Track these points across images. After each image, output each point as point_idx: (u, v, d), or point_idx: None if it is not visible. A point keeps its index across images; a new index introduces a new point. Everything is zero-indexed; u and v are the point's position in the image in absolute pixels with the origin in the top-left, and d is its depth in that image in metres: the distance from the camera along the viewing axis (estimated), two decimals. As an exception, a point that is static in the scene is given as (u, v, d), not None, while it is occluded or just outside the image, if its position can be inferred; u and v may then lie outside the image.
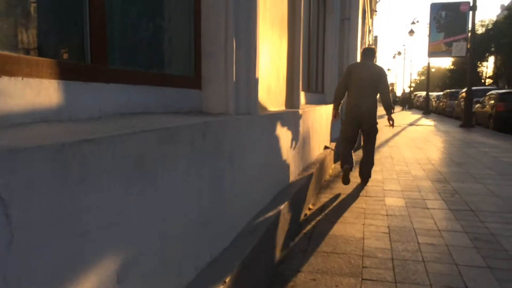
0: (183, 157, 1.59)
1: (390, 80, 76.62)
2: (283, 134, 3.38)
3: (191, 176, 1.66)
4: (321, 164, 5.08)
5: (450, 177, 5.71)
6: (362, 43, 12.60)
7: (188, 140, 1.63)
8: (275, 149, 3.10)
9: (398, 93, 43.13)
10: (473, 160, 7.21)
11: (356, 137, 5.34)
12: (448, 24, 16.24)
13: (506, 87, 41.86)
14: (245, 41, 2.52)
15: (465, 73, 47.60)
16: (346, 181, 4.97)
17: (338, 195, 4.73)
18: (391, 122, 5.30)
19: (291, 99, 4.25)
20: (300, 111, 4.21)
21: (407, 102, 39.45)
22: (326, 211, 4.09)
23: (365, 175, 5.36)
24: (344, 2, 8.58)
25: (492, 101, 14.62)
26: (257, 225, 2.44)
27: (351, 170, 5.11)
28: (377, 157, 7.56)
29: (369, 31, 25.06)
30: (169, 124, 1.51)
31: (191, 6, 2.36)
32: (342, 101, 5.36)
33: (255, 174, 2.60)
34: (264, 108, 3.17)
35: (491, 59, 51.68)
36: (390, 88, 32.99)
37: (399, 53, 46.06)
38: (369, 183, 5.37)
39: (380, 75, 5.12)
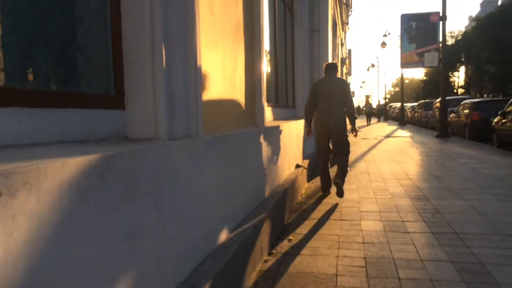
0: (63, 211, 1.10)
1: (365, 92, 77.55)
2: (240, 156, 2.92)
3: (82, 240, 1.17)
4: (291, 185, 4.63)
5: (430, 194, 5.34)
6: (334, 56, 12.37)
7: (72, 184, 1.15)
8: (227, 177, 2.64)
9: (374, 105, 43.44)
10: (452, 173, 6.90)
11: (329, 148, 5.50)
12: (419, 34, 16.28)
13: (478, 96, 42.76)
14: (181, 47, 2.07)
15: (437, 84, 48.46)
16: (326, 192, 5.55)
17: (310, 220, 4.28)
18: (355, 133, 5.63)
19: (253, 116, 3.80)
20: (263, 128, 3.77)
21: (383, 113, 39.74)
22: (296, 241, 3.63)
23: (339, 187, 5.25)
24: (313, 13, 8.29)
25: (467, 111, 14.56)
26: (200, 278, 1.95)
27: (328, 193, 5.57)
28: (353, 172, 7.19)
29: (342, 44, 25.12)
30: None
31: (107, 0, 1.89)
32: (313, 117, 5.48)
33: (198, 212, 2.12)
34: (214, 128, 2.71)
35: (462, 69, 52.91)
36: (366, 99, 33.21)
37: (373, 66, 46.61)
38: (344, 204, 4.95)
39: (344, 87, 5.36)
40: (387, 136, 16.02)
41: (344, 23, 17.35)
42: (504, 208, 4.52)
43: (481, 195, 5.19)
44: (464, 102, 15.42)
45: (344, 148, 5.33)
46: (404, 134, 17.15)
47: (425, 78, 58.08)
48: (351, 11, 32.64)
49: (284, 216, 4.13)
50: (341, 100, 5.25)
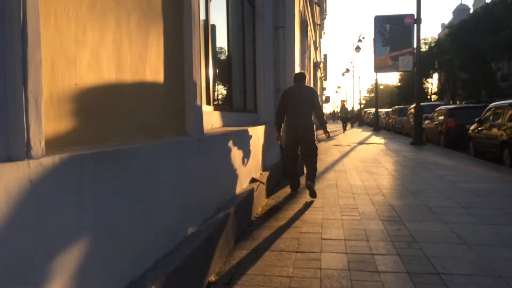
0: None
1: (341, 97, 77.65)
2: (142, 182, 2.04)
3: None
4: (238, 207, 3.77)
5: (404, 214, 4.58)
6: (304, 57, 11.63)
7: None
8: (107, 219, 1.75)
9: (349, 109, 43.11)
10: (429, 187, 6.18)
11: (298, 154, 5.79)
12: (393, 37, 15.72)
13: (451, 102, 43.06)
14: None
15: (411, 90, 48.66)
16: (294, 191, 5.85)
17: (258, 252, 3.42)
18: (326, 134, 5.99)
19: (181, 122, 2.93)
20: (195, 138, 2.90)
21: (357, 119, 39.50)
22: (234, 286, 2.76)
23: (311, 189, 5.47)
24: (278, 8, 7.50)
25: (442, 117, 14.08)
26: None
27: (296, 192, 5.85)
28: (320, 186, 6.39)
29: (316, 48, 24.54)
30: None
31: None
32: (282, 124, 5.79)
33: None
34: (98, 140, 1.82)
35: (435, 76, 53.41)
36: (341, 105, 32.73)
37: (348, 70, 46.43)
38: (304, 229, 4.11)
39: (312, 95, 5.68)
40: (361, 143, 15.40)
41: (317, 25, 16.69)
42: (492, 235, 3.78)
43: (464, 216, 4.45)
44: (439, 108, 14.96)
45: (312, 152, 5.65)
46: (378, 141, 16.58)
47: (399, 84, 58.43)
48: (326, 14, 32.20)
49: (224, 250, 3.26)
50: (309, 107, 5.59)
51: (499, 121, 9.04)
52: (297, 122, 5.50)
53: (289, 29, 7.67)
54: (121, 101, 2.05)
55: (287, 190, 6.08)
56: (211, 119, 4.10)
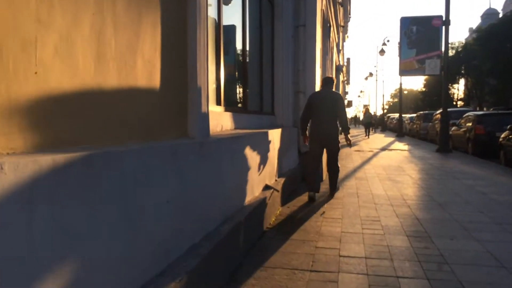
0: None
1: (364, 102, 76.38)
2: (125, 191, 1.73)
3: None
4: (249, 216, 3.43)
5: (433, 229, 4.14)
6: (326, 59, 11.23)
7: None
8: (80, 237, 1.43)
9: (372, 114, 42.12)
10: (459, 198, 5.70)
11: (322, 155, 6.07)
12: (419, 40, 15.11)
13: (477, 109, 41.71)
14: None
15: (436, 95, 47.52)
16: (312, 200, 5.60)
17: (269, 268, 3.07)
18: (348, 142, 6.15)
19: (182, 122, 2.61)
20: (197, 142, 2.57)
21: (380, 124, 38.67)
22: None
23: (333, 187, 5.97)
24: (299, 5, 7.14)
25: (470, 124, 13.42)
26: None
27: (316, 193, 5.73)
28: (340, 194, 5.99)
29: (339, 51, 24.03)
30: None
31: None
32: (307, 126, 5.89)
33: None
34: (77, 141, 1.51)
35: (462, 81, 51.91)
36: (364, 109, 31.88)
37: (371, 75, 45.53)
38: (321, 242, 3.74)
39: (337, 100, 5.75)
40: (383, 149, 14.85)
41: (340, 26, 16.24)
42: (535, 258, 3.33)
43: (499, 234, 4.00)
44: (467, 114, 14.29)
45: (336, 155, 5.88)
46: (401, 147, 15.98)
47: (424, 89, 57.08)
48: (350, 17, 31.62)
49: (229, 266, 2.92)
50: (334, 113, 5.66)
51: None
52: (322, 126, 5.63)
53: (310, 27, 7.30)
54: (102, 97, 1.74)
55: (304, 198, 5.71)
56: (221, 121, 3.78)
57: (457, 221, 4.46)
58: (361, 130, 32.76)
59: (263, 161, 4.48)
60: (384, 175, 7.99)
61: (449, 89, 49.28)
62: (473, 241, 3.74)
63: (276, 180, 5.22)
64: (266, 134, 4.72)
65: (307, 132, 5.88)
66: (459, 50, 47.46)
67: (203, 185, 2.61)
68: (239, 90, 4.87)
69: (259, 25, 5.91)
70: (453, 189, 6.41)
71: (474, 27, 56.41)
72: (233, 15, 4.93)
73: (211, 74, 3.98)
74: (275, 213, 4.74)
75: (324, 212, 4.93)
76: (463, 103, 51.13)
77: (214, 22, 4.03)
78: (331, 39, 12.77)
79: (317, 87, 7.79)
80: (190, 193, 2.42)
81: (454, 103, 50.48)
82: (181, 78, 2.58)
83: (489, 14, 54.85)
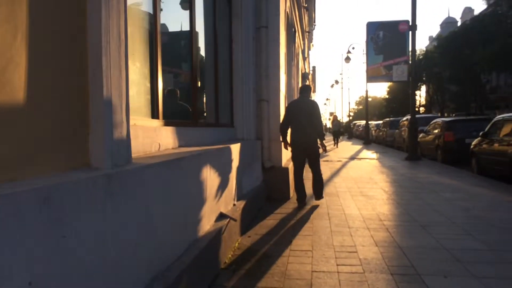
0: None
1: (330, 109, 76.88)
2: None
3: None
4: (193, 263, 2.62)
5: (421, 263, 3.46)
6: (291, 65, 10.59)
7: None
8: None
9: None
10: (441, 217, 5.09)
11: (304, 162, 6.18)
12: (386, 45, 14.79)
13: (439, 114, 42.51)
14: None
15: (400, 102, 48.23)
16: (301, 204, 5.97)
17: None
18: (323, 148, 6.36)
19: (82, 147, 1.78)
20: (101, 175, 1.75)
21: (346, 131, 38.68)
22: None
23: (318, 194, 6.14)
24: (260, 5, 6.42)
25: (438, 130, 13.15)
26: None
27: (305, 205, 5.97)
28: (309, 216, 5.27)
29: (305, 58, 23.62)
30: None
31: None
32: (287, 134, 6.13)
33: None
34: None
35: (423, 88, 52.93)
36: (332, 117, 31.46)
37: (337, 82, 45.70)
38: (287, 284, 2.98)
39: (313, 108, 5.99)
40: (352, 158, 14.35)
41: (305, 32, 15.73)
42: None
43: (500, 266, 3.35)
44: (434, 121, 14.05)
45: (317, 162, 6.10)
46: (370, 156, 15.56)
47: (387, 96, 57.87)
48: (315, 25, 31.44)
49: None
50: (310, 120, 5.88)
51: (509, 135, 8.05)
52: (300, 135, 5.88)
53: (273, 29, 6.60)
54: None
55: (267, 222, 4.95)
56: (158, 138, 2.96)
57: (446, 249, 3.81)
58: (329, 138, 32.49)
59: (217, 184, 3.69)
60: (356, 189, 7.35)
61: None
62: (473, 280, 3.07)
63: (234, 205, 4.43)
64: (221, 151, 3.93)
65: (287, 140, 6.16)
66: (420, 57, 48.40)
67: (113, 238, 1.79)
68: (187, 100, 4.07)
69: (212, 24, 5.13)
70: (432, 205, 5.81)
71: (434, 35, 57.84)
72: (176, 11, 4.14)
73: (143, 82, 3.18)
74: (232, 246, 3.94)
75: (291, 241, 4.17)
76: (424, 109, 52.12)
77: (147, 18, 3.23)
78: (296, 44, 12.17)
79: (282, 95, 7.09)
80: (86, 257, 1.59)
81: (417, 109, 51.29)
82: (78, 84, 1.76)
83: (448, 22, 56.37)
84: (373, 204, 6.01)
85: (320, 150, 6.23)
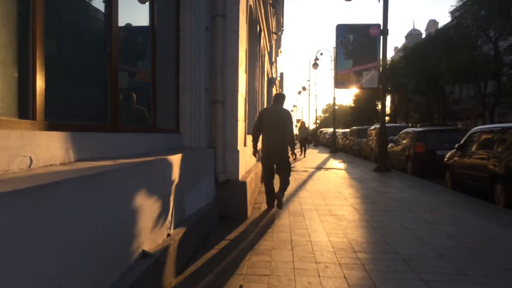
0: None
1: (298, 116, 76.68)
2: None
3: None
4: None
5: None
6: (255, 65, 9.65)
7: None
8: None
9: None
10: (427, 248, 4.23)
11: (273, 169, 6.32)
12: (356, 50, 14.13)
13: (409, 125, 42.83)
14: None
15: (365, 111, 48.44)
16: (270, 207, 6.21)
17: None
18: (293, 156, 6.35)
19: None
20: None
21: (313, 139, 38.21)
22: None
23: (279, 200, 6.02)
24: (215, -10, 5.43)
25: (408, 141, 12.55)
26: None
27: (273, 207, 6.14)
28: (268, 244, 4.30)
29: (272, 63, 22.82)
30: None
31: None
32: (258, 141, 6.27)
33: None
34: None
35: (388, 97, 53.44)
36: (299, 124, 30.55)
37: (304, 89, 45.30)
38: None
39: (285, 117, 6.12)
40: (319, 168, 13.54)
41: (272, 33, 14.90)
42: None
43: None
44: (404, 130, 13.48)
45: (286, 168, 6.22)
46: (337, 166, 14.83)
47: (352, 104, 58.11)
48: (283, 30, 30.77)
49: None
50: (282, 128, 5.96)
51: (489, 149, 7.39)
52: (271, 141, 6.01)
53: (231, 18, 5.62)
54: None
55: (215, 254, 3.94)
56: (30, 148, 1.90)
57: (442, 299, 2.91)
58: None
59: (136, 214, 2.64)
60: (324, 207, 6.44)
61: (376, 105, 50.49)
62: None
63: (169, 235, 3.38)
64: (147, 166, 2.89)
65: (257, 148, 6.34)
66: (386, 67, 48.73)
67: None
68: (100, 96, 3.01)
69: (151, 9, 4.09)
70: (411, 230, 4.97)
71: (399, 46, 58.68)
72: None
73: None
74: (160, 295, 2.90)
75: (241, 286, 3.17)
76: (389, 118, 52.60)
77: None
78: (262, 45, 11.27)
79: (241, 97, 6.11)
80: None
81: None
82: None
83: (413, 34, 57.43)
84: (343, 227, 5.10)
85: (291, 157, 6.33)
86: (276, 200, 6.01)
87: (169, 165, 3.42)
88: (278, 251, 4.07)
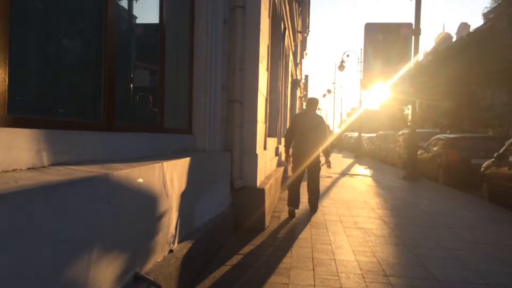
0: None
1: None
2: None
3: None
4: None
5: None
6: (278, 65, 9.16)
7: None
8: None
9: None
10: (471, 274, 3.65)
11: (303, 174, 6.10)
12: (386, 50, 13.44)
13: (435, 130, 41.38)
14: None
15: (389, 116, 47.06)
16: (292, 215, 5.86)
17: None
18: (328, 163, 6.45)
19: None
20: None
21: (339, 143, 37.39)
22: None
23: (313, 205, 6.26)
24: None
25: (440, 148, 11.81)
26: None
27: (296, 208, 5.99)
28: (287, 261, 3.80)
29: (297, 64, 22.27)
30: None
31: None
32: (291, 146, 6.21)
33: None
34: None
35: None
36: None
37: (329, 91, 44.45)
38: None
39: (320, 124, 6.03)
40: (343, 174, 12.92)
41: (297, 32, 14.36)
42: None
43: None
44: (436, 137, 12.70)
45: (316, 176, 6.20)
46: (363, 172, 14.16)
47: (377, 109, 56.69)
48: (309, 31, 30.18)
49: None
50: (315, 134, 5.92)
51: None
52: (304, 147, 5.93)
53: (252, 10, 5.17)
54: None
55: (225, 272, 3.47)
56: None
57: None
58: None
59: (123, 228, 2.20)
60: (349, 218, 5.89)
61: (403, 110, 49.10)
62: None
63: (171, 251, 2.93)
64: (145, 169, 2.44)
65: (290, 153, 6.29)
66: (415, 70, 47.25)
67: None
68: (93, 91, 2.58)
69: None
70: (450, 250, 4.37)
71: (428, 50, 57.02)
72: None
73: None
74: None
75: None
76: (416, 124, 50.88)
77: None
78: (286, 44, 10.77)
79: (261, 96, 5.64)
80: None
81: (408, 123, 50.19)
82: None
83: (444, 37, 55.72)
84: (372, 243, 4.55)
85: (326, 166, 6.43)
86: (310, 204, 6.25)
87: (176, 169, 2.97)
88: (297, 271, 3.57)
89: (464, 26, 51.04)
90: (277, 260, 3.86)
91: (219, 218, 4.29)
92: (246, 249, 4.20)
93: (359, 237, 4.80)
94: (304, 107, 47.79)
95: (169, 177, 2.83)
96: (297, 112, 28.01)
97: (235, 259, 3.85)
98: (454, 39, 50.48)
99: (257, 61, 5.31)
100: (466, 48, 33.96)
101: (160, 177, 2.67)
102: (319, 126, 5.98)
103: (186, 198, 3.27)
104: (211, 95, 4.55)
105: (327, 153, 6.21)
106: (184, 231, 3.28)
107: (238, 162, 5.12)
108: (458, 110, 38.18)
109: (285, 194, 7.69)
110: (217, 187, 4.42)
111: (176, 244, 3.06)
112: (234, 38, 5.06)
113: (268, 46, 6.40)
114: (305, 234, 4.91)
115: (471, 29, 42.42)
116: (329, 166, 6.51)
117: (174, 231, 3.01)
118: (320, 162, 6.16)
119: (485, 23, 34.44)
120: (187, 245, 3.18)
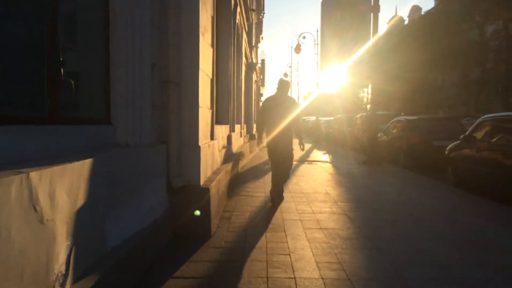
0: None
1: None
2: None
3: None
4: None
5: None
6: (228, 43, 8.22)
7: None
8: None
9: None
10: (457, 285, 2.98)
11: (281, 162, 5.81)
12: (345, 28, 12.77)
13: (392, 112, 41.84)
14: None
15: (345, 100, 47.17)
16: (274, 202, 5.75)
17: None
18: (301, 146, 6.06)
19: None
20: None
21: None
22: None
23: (279, 195, 5.84)
24: None
25: (398, 130, 11.40)
26: None
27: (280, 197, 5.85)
28: (235, 284, 2.95)
29: (252, 47, 21.33)
30: None
31: None
32: (263, 131, 5.99)
33: None
34: None
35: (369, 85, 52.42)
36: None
37: (286, 75, 43.81)
38: None
39: (290, 105, 5.76)
40: (302, 160, 12.24)
41: (251, 10, 13.39)
42: None
43: None
44: (396, 119, 12.29)
45: (288, 161, 5.85)
46: (322, 157, 13.58)
47: (333, 93, 56.80)
48: (263, 13, 29.24)
49: None
50: (287, 118, 5.62)
51: (504, 141, 6.20)
52: (275, 131, 5.64)
53: (186, -29, 4.20)
54: None
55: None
56: None
57: None
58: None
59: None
60: (310, 216, 5.14)
61: (358, 93, 49.39)
62: None
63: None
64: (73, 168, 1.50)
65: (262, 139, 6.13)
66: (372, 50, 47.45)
67: None
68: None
69: None
70: (433, 254, 3.70)
71: (381, 33, 57.58)
72: None
73: None
74: None
75: None
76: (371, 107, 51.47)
77: None
78: (238, 21, 9.82)
79: (204, 75, 4.72)
80: None
81: (364, 107, 50.55)
82: None
83: (397, 21, 56.36)
84: (338, 249, 3.81)
85: (299, 148, 6.13)
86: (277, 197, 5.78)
87: (55, 182, 2.03)
88: (247, 299, 2.74)
89: (416, 8, 51.87)
90: (223, 283, 3.03)
91: (149, 231, 3.38)
92: (185, 268, 3.33)
93: (322, 242, 4.04)
94: (262, 91, 46.86)
95: (45, 193, 1.89)
96: (255, 96, 27.20)
97: (168, 286, 2.97)
98: (406, 22, 51.24)
99: (197, 34, 4.37)
100: (417, 31, 34.26)
101: (22, 195, 1.73)
102: (292, 108, 5.70)
103: (88, 215, 2.35)
104: (135, 75, 3.58)
105: (300, 136, 5.94)
106: (87, 260, 2.36)
107: (176, 157, 4.21)
108: (411, 93, 38.74)
109: (240, 188, 6.88)
110: (146, 190, 3.51)
111: (69, 285, 2.14)
112: (167, 6, 4.09)
113: (213, 17, 5.45)
114: (259, 241, 4.09)
115: (423, 11, 43.04)
116: (302, 148, 6.17)
117: (64, 267, 2.09)
118: (293, 149, 5.89)
119: (436, 5, 34.89)
120: (91, 280, 2.27)
